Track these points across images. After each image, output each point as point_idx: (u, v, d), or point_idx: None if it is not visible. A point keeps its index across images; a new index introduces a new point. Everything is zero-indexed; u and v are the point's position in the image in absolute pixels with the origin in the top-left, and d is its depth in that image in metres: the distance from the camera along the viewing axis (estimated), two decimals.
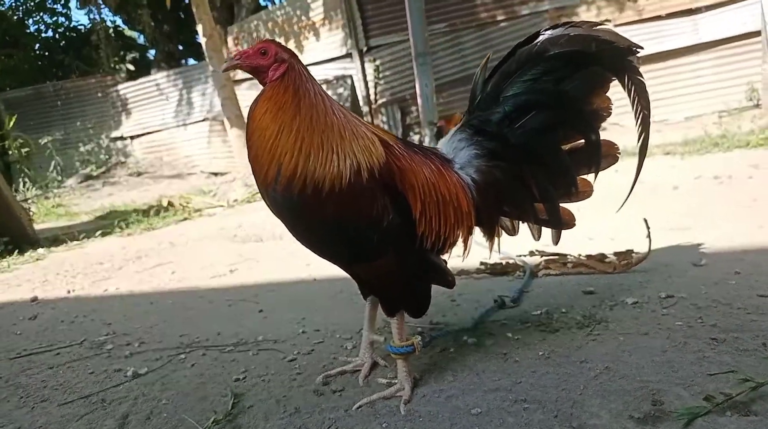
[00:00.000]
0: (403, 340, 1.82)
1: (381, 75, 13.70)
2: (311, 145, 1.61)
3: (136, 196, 12.11)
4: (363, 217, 1.64)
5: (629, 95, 1.82)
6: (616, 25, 12.42)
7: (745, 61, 11.36)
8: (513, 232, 2.02)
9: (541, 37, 1.80)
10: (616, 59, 1.77)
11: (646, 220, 2.58)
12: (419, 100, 11.65)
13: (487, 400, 1.70)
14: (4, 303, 3.90)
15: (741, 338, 1.87)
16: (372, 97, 13.78)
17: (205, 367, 2.24)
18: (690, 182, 5.07)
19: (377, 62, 13.67)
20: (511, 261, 2.91)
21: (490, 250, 1.98)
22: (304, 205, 1.60)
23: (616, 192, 1.96)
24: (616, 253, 2.71)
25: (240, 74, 14.45)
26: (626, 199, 1.98)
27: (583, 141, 1.86)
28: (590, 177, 1.93)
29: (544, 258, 2.82)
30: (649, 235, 2.59)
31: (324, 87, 13.10)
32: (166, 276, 4.18)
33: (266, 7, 16.78)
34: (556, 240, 2.02)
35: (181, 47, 19.14)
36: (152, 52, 18.99)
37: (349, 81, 12.56)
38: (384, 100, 13.73)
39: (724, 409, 1.48)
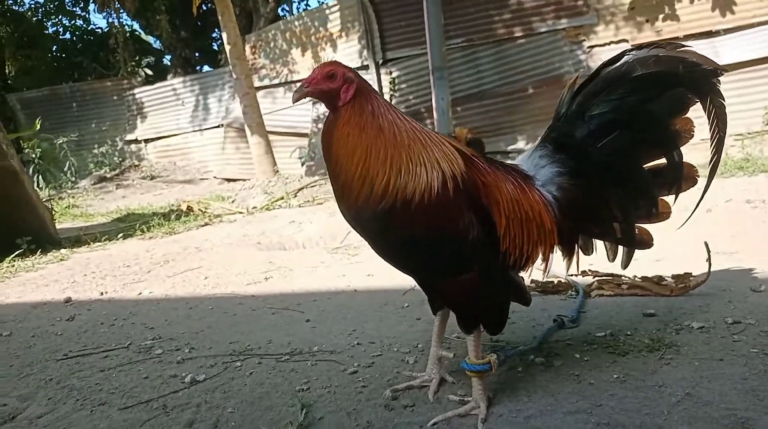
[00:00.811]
0: (479, 357, 1.79)
1: (397, 87, 13.73)
2: (401, 161, 1.61)
3: (151, 199, 12.11)
4: (450, 229, 1.63)
5: (709, 117, 1.82)
6: (633, 45, 12.45)
7: (764, 85, 11.35)
8: (589, 251, 2.00)
9: (627, 58, 1.80)
10: (702, 81, 1.77)
11: (707, 244, 2.56)
12: (435, 114, 11.67)
13: (568, 422, 1.68)
14: (37, 303, 3.88)
15: None
16: None
17: (264, 375, 2.22)
18: (722, 206, 5.05)
19: (393, 75, 13.71)
20: (563, 280, 2.88)
21: (567, 270, 1.97)
22: (393, 220, 1.60)
23: None
24: (673, 276, 2.69)
25: (257, 81, 14.50)
26: (688, 218, 2.00)
27: (665, 162, 1.85)
28: (669, 198, 1.92)
29: (597, 278, 2.80)
30: (709, 259, 2.57)
31: None
32: (200, 281, 4.16)
33: (284, 17, 16.87)
34: (627, 262, 2.00)
35: (197, 54, 19.24)
36: (168, 57, 19.08)
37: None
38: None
39: None
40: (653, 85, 1.76)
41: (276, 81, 14.73)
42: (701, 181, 1.95)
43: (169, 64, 18.74)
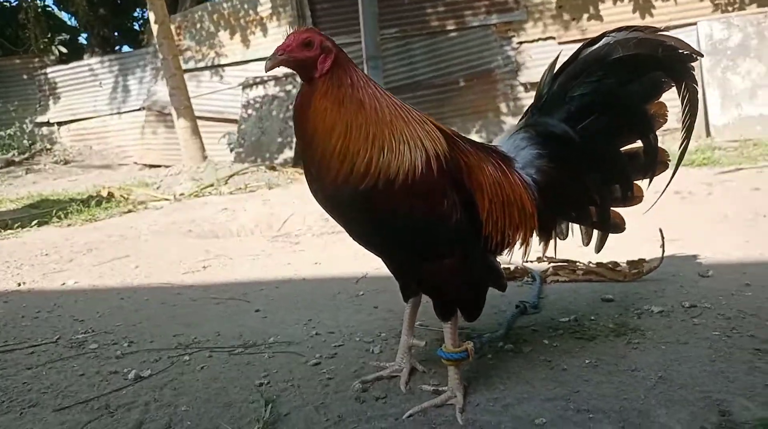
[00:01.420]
0: (456, 345, 1.72)
1: None
2: (383, 138, 1.51)
3: (65, 185, 11.37)
4: (434, 212, 1.55)
5: (682, 102, 1.82)
6: (560, 43, 12.81)
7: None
8: (565, 235, 1.97)
9: (607, 39, 1.76)
10: (678, 65, 1.76)
11: (661, 230, 2.61)
12: None
13: (547, 409, 1.63)
14: None
15: None
16: None
17: (218, 370, 2.06)
18: (652, 196, 5.23)
19: None
20: (519, 266, 2.86)
21: (544, 253, 1.93)
22: (374, 201, 1.49)
23: None
24: (628, 262, 2.73)
25: (181, 63, 13.89)
26: (654, 204, 2.08)
27: (640, 145, 1.84)
28: (642, 182, 1.92)
29: (552, 265, 2.80)
30: (663, 246, 2.62)
31: (272, 83, 12.69)
32: (130, 270, 3.88)
33: None
34: (600, 246, 1.99)
35: (116, 33, 18.19)
36: (84, 35, 17.95)
37: (298, 78, 12.27)
38: None
39: None
40: (633, 67, 1.74)
41: (201, 64, 14.19)
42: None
43: (85, 42, 17.64)
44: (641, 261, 2.70)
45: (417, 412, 1.65)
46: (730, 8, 12.22)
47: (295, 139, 11.81)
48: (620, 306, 2.38)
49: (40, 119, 15.09)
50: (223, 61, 14.13)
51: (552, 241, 1.92)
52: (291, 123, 11.91)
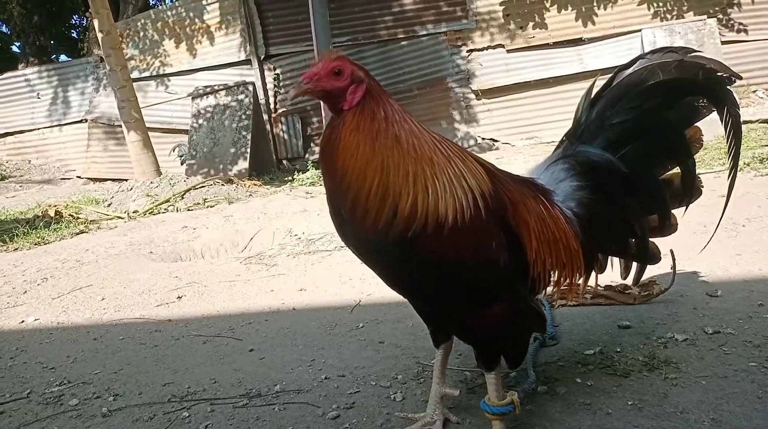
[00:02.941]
0: (501, 397, 1.58)
1: (281, 84, 13.30)
2: (425, 177, 1.36)
3: (4, 202, 10.68)
4: (483, 255, 1.41)
5: (725, 128, 1.73)
6: (509, 51, 12.94)
7: None
8: (604, 269, 1.86)
9: (643, 62, 1.67)
10: (719, 89, 1.68)
11: (672, 252, 2.54)
12: (322, 112, 11.39)
13: None
14: None
15: None
16: (272, 105, 13.36)
17: (224, 428, 1.85)
18: None
19: (278, 71, 13.27)
20: None
21: (582, 292, 1.82)
22: (420, 246, 1.34)
23: None
24: (638, 284, 2.65)
25: (134, 72, 13.34)
26: (711, 237, 2.11)
27: (677, 172, 1.76)
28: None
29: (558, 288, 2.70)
30: (674, 267, 2.56)
31: (223, 93, 12.31)
32: (96, 303, 3.58)
33: (155, 5, 15.71)
34: (638, 278, 1.89)
35: (52, 41, 17.34)
36: (17, 44, 17.06)
37: (251, 88, 11.96)
38: (284, 109, 13.35)
39: None
40: (674, 91, 1.65)
41: (146, 74, 13.74)
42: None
43: (19, 51, 16.75)
44: (652, 282, 2.63)
45: None
46: (668, 15, 12.64)
47: (250, 150, 11.54)
48: (641, 333, 2.29)
49: None
50: (168, 71, 13.73)
51: (592, 276, 1.81)
52: (245, 133, 11.66)
